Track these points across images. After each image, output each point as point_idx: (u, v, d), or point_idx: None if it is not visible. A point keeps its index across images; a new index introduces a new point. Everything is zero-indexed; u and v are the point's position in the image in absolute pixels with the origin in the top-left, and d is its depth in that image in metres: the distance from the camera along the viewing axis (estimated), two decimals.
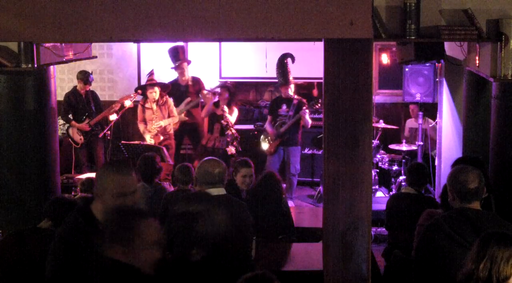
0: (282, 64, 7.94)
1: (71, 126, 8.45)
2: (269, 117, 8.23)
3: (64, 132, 8.86)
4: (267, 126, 8.18)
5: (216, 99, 8.10)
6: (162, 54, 9.23)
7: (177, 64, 8.44)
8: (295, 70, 8.75)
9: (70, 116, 8.39)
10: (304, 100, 8.12)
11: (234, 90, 8.27)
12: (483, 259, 2.78)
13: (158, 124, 8.06)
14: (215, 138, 7.96)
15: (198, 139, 8.56)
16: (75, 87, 8.50)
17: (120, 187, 2.96)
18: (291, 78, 7.97)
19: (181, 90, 8.57)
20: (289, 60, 7.97)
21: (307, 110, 7.87)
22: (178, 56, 8.46)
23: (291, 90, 8.02)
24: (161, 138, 8.10)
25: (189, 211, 3.82)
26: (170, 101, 8.24)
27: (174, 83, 8.57)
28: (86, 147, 8.56)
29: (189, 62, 8.58)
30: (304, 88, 9.66)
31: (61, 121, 8.73)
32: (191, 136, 8.79)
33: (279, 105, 8.11)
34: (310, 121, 7.99)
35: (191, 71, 8.75)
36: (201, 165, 3.92)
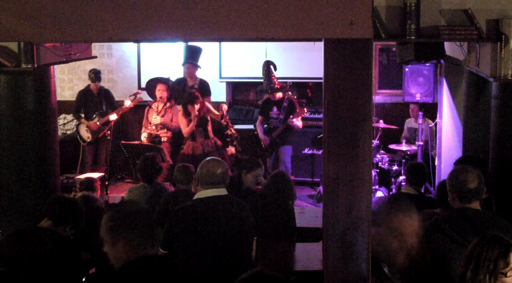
0: (266, 72, 7.92)
1: (81, 123, 8.50)
2: (260, 117, 8.22)
3: (64, 132, 8.88)
4: (258, 128, 8.17)
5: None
6: (163, 54, 9.23)
7: (192, 63, 8.31)
8: (295, 71, 8.75)
9: (82, 114, 8.46)
10: (295, 102, 8.12)
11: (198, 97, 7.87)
12: (471, 262, 2.79)
13: (156, 119, 8.08)
14: (201, 143, 7.72)
15: None
16: (88, 85, 8.57)
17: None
18: (276, 86, 7.95)
19: (186, 91, 8.50)
20: (271, 67, 7.95)
21: (294, 120, 7.85)
22: (195, 56, 8.39)
23: (278, 95, 8.02)
24: (153, 128, 8.08)
25: (189, 211, 3.84)
26: (177, 109, 8.16)
27: (181, 82, 8.52)
28: (93, 146, 8.58)
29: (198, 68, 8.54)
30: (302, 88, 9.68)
31: (69, 117, 8.80)
32: None
33: (270, 107, 8.11)
34: (300, 125, 8.00)
35: None
36: (203, 165, 3.88)
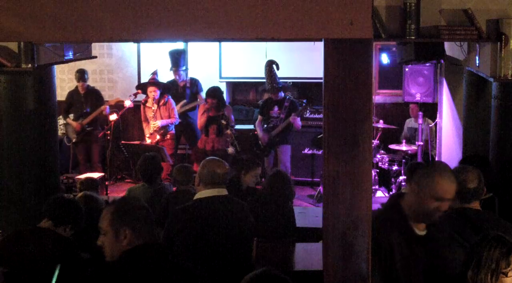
0: (269, 71, 7.94)
1: (68, 123, 8.56)
2: (259, 117, 8.24)
3: (64, 132, 8.89)
4: (258, 127, 8.18)
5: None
6: (162, 54, 9.24)
7: (174, 70, 8.57)
8: (295, 71, 8.74)
9: (71, 115, 8.47)
10: (296, 101, 8.14)
11: (220, 95, 8.04)
12: (472, 261, 2.79)
13: (155, 124, 8.11)
14: (213, 139, 7.90)
15: (194, 139, 8.58)
16: (76, 86, 8.58)
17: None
18: (279, 85, 7.98)
19: (178, 91, 8.63)
20: (274, 66, 7.98)
21: (297, 117, 7.87)
22: (177, 62, 8.53)
23: (281, 94, 8.05)
24: (157, 137, 8.13)
25: (190, 211, 3.84)
26: (172, 102, 8.27)
27: (173, 83, 8.62)
28: (82, 146, 8.59)
29: (186, 68, 8.69)
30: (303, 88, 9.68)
31: (62, 120, 8.82)
32: (187, 136, 8.82)
33: (271, 106, 8.11)
34: (300, 125, 8.02)
35: (190, 72, 8.79)
36: (205, 165, 3.88)
